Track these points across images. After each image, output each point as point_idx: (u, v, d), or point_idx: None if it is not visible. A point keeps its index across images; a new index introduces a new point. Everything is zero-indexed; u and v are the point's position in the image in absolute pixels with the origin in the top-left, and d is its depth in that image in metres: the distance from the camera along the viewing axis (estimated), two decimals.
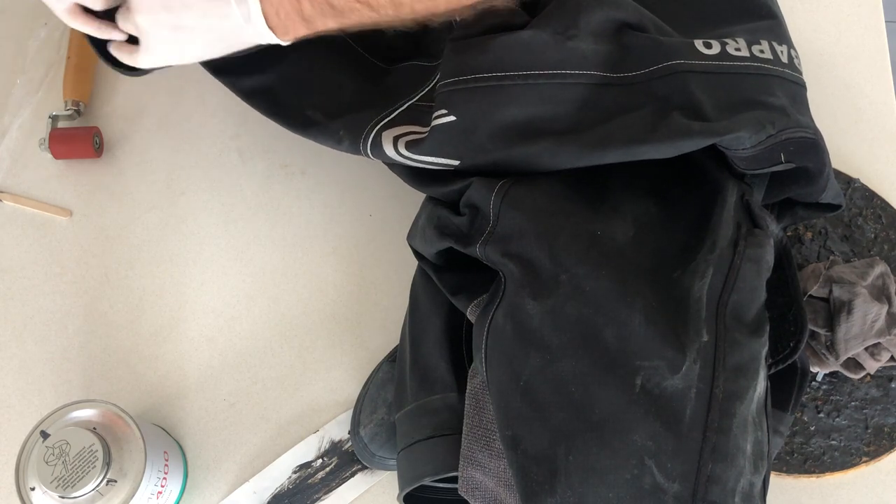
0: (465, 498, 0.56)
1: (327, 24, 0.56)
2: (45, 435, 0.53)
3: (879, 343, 0.65)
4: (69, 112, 0.74)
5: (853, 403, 0.66)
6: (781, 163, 0.56)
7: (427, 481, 0.57)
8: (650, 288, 0.54)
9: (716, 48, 0.59)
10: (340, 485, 0.64)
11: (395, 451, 0.61)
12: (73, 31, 0.78)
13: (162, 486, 0.58)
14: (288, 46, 0.58)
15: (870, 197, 0.74)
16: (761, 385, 0.52)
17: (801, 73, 0.61)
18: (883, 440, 0.65)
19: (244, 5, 0.53)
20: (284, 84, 0.66)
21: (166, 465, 0.59)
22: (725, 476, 0.49)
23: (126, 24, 0.57)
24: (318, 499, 0.64)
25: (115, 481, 0.54)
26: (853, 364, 0.66)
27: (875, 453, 0.65)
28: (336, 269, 0.71)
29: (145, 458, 0.55)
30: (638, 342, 0.52)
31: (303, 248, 0.72)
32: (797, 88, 0.60)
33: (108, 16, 0.58)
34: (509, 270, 0.56)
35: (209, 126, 0.76)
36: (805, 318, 0.57)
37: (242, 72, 0.65)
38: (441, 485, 0.60)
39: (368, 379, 0.66)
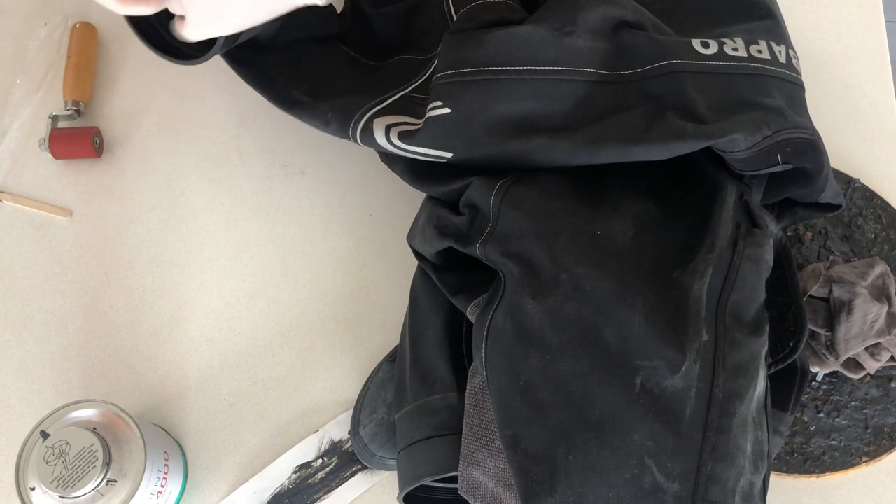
0: (465, 498, 0.56)
1: None
2: (45, 435, 0.53)
3: (879, 343, 0.65)
4: (69, 112, 0.74)
5: (853, 403, 0.66)
6: (778, 164, 0.56)
7: (427, 481, 0.57)
8: (650, 288, 0.54)
9: (713, 48, 0.59)
10: (340, 485, 0.64)
11: (395, 451, 0.61)
12: (73, 31, 0.78)
13: (162, 486, 0.58)
14: (282, 43, 0.58)
15: (870, 197, 0.74)
16: (761, 385, 0.52)
17: (799, 74, 0.60)
18: (883, 440, 0.65)
19: None
20: (276, 66, 0.66)
21: (166, 465, 0.59)
22: (725, 476, 0.49)
23: (171, 3, 0.57)
24: (318, 499, 0.64)
25: (115, 481, 0.54)
26: (853, 364, 0.66)
27: (875, 453, 0.65)
28: (336, 269, 0.71)
29: (145, 458, 0.55)
30: (638, 342, 0.52)
31: (303, 248, 0.72)
32: (795, 89, 0.59)
33: None
34: (509, 270, 0.56)
35: (209, 126, 0.76)
36: (805, 318, 0.57)
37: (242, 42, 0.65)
38: (441, 485, 0.60)
39: (368, 379, 0.66)
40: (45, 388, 0.67)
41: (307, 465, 0.65)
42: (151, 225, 0.73)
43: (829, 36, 0.80)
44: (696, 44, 0.59)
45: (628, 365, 0.51)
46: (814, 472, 0.64)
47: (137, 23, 0.61)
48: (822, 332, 0.65)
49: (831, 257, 0.70)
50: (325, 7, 0.58)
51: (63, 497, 0.52)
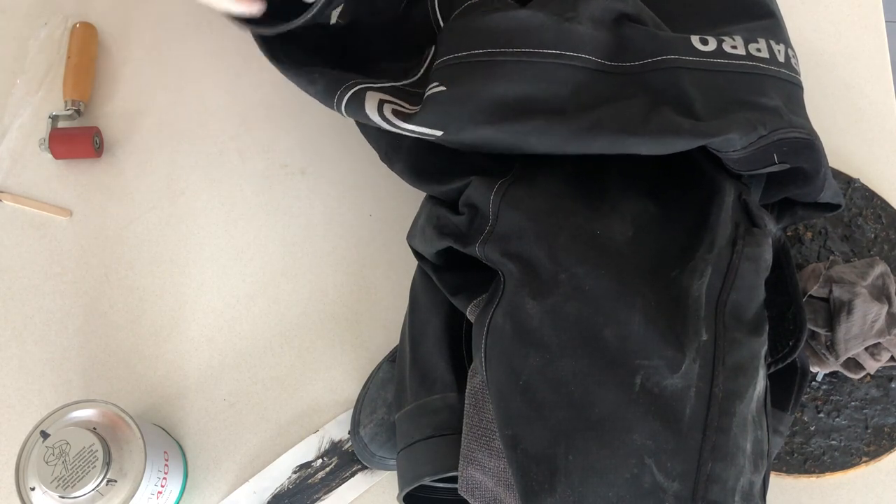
0: (465, 498, 0.56)
1: None
2: (45, 435, 0.53)
3: (879, 343, 0.65)
4: (69, 112, 0.74)
5: (853, 403, 0.66)
6: (775, 164, 0.56)
7: (427, 481, 0.57)
8: (649, 287, 0.54)
9: (712, 45, 0.59)
10: (340, 485, 0.64)
11: (395, 451, 0.61)
12: (73, 31, 0.78)
13: (162, 486, 0.58)
14: (285, 44, 0.58)
15: (870, 197, 0.74)
16: (761, 384, 0.52)
17: (798, 74, 0.60)
18: (883, 440, 0.65)
19: None
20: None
21: (166, 465, 0.59)
22: (725, 475, 0.49)
23: None
24: (318, 499, 0.64)
25: (115, 481, 0.54)
26: (853, 364, 0.66)
27: (875, 453, 0.65)
28: (336, 269, 0.71)
29: (145, 458, 0.55)
30: (637, 341, 0.51)
31: (303, 248, 0.72)
32: (793, 88, 0.59)
33: None
34: (508, 270, 0.56)
35: (209, 126, 0.76)
36: (804, 318, 0.57)
37: None
38: (441, 485, 0.60)
39: (368, 379, 0.66)
40: (45, 388, 0.67)
41: (307, 465, 0.65)
42: (151, 225, 0.73)
43: (829, 36, 0.80)
44: (695, 40, 0.59)
45: (628, 364, 0.51)
46: (814, 472, 0.64)
47: None
48: (822, 332, 0.65)
49: (831, 257, 0.70)
50: None
51: (63, 497, 0.52)
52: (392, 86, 0.62)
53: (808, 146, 0.56)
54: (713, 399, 0.50)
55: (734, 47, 0.59)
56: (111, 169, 0.75)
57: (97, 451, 0.52)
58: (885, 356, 0.65)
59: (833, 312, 0.65)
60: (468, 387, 0.57)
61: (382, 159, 0.68)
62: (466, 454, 0.56)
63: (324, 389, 0.67)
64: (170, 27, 0.82)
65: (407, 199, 0.73)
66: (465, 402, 0.57)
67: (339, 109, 0.61)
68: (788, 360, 0.57)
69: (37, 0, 0.82)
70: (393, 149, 0.66)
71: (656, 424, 0.50)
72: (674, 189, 0.61)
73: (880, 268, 0.67)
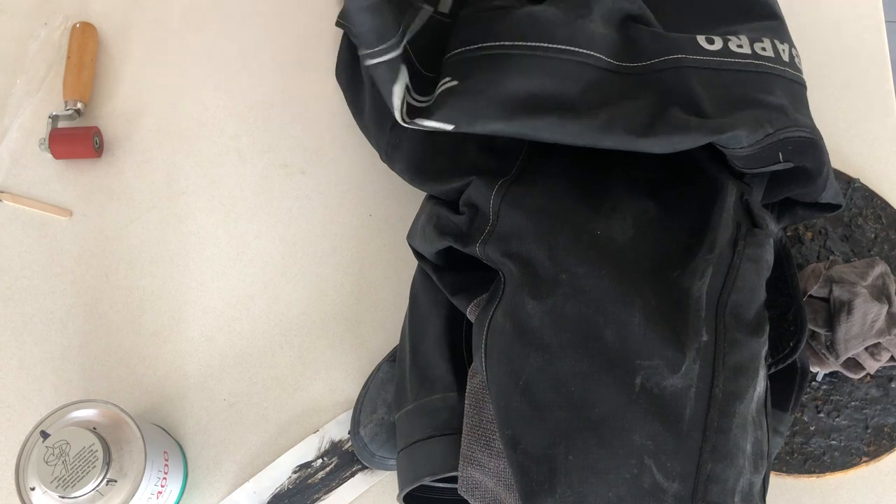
0: (465, 497, 0.56)
1: None
2: (45, 435, 0.53)
3: (879, 343, 0.65)
4: (69, 112, 0.74)
5: (853, 403, 0.66)
6: (780, 162, 0.56)
7: (427, 481, 0.57)
8: (649, 288, 0.54)
9: (718, 44, 0.59)
10: (340, 485, 0.64)
11: (395, 451, 0.61)
12: (73, 30, 0.78)
13: (162, 486, 0.58)
14: None
15: (870, 197, 0.74)
16: (761, 385, 0.52)
17: (801, 73, 0.61)
18: (883, 440, 0.65)
19: None
20: None
21: (166, 465, 0.59)
22: (725, 475, 0.49)
23: None
24: (318, 499, 0.64)
25: (115, 481, 0.54)
26: (853, 364, 0.66)
27: (875, 453, 0.65)
28: (336, 269, 0.71)
29: (145, 458, 0.55)
30: (638, 342, 0.51)
31: (303, 248, 0.72)
32: (797, 87, 0.60)
33: None
34: (509, 270, 0.56)
35: (209, 126, 0.76)
36: (805, 318, 0.57)
37: None
38: (441, 485, 0.60)
39: (368, 379, 0.66)
40: (45, 388, 0.67)
41: (307, 465, 0.65)
42: (151, 225, 0.73)
43: (830, 36, 0.80)
44: (700, 40, 0.59)
45: (628, 365, 0.51)
46: (814, 472, 0.64)
47: None
48: (822, 332, 0.65)
49: (831, 257, 0.70)
50: None
51: (63, 497, 0.52)
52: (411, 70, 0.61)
53: (813, 145, 0.56)
54: (713, 400, 0.50)
55: (740, 46, 0.59)
56: (111, 169, 0.75)
57: (97, 451, 0.52)
58: (885, 356, 0.65)
59: (833, 312, 0.65)
60: (468, 387, 0.57)
61: (383, 159, 0.68)
62: (466, 454, 0.56)
63: (324, 389, 0.67)
64: (170, 27, 0.82)
65: (407, 199, 0.73)
66: (465, 402, 0.57)
67: (376, 58, 0.57)
68: (789, 361, 0.57)
69: (37, 0, 0.82)
70: (393, 147, 0.66)
71: (656, 425, 0.50)
72: (675, 189, 0.61)
73: (880, 268, 0.67)
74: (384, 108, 0.67)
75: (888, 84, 0.80)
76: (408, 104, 0.58)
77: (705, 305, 0.52)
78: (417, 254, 0.63)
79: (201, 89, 0.78)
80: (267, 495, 0.64)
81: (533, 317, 0.54)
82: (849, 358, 0.65)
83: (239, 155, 0.75)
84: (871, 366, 0.65)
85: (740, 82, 0.58)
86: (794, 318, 0.57)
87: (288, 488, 0.64)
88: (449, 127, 0.57)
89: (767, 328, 0.53)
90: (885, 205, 0.74)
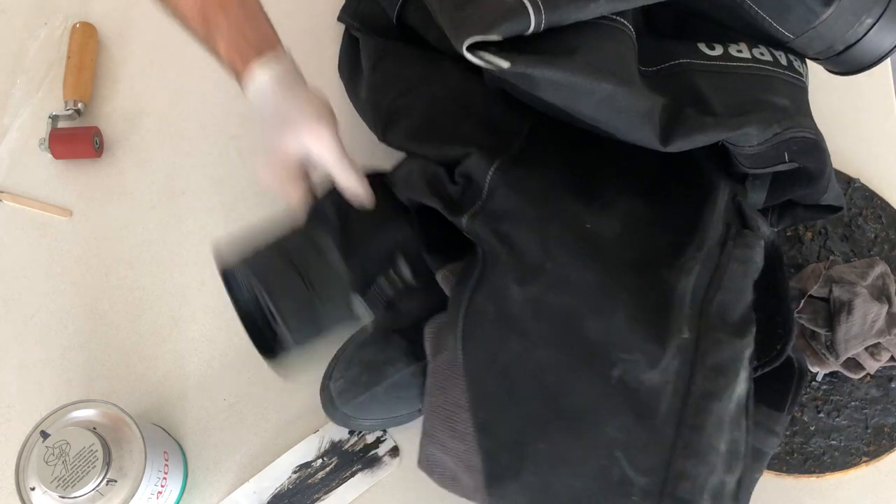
0: (425, 472, 0.57)
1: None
2: (45, 435, 0.53)
3: (879, 343, 0.65)
4: (69, 112, 0.74)
5: (853, 403, 0.66)
6: (784, 162, 0.57)
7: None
8: (635, 283, 0.54)
9: (718, 50, 0.59)
10: (340, 485, 0.64)
11: (360, 412, 0.61)
12: (73, 30, 0.78)
13: (162, 486, 0.58)
14: None
15: (870, 197, 0.74)
16: (742, 385, 0.52)
17: (801, 76, 0.61)
18: (883, 440, 0.65)
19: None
20: None
21: (166, 465, 0.59)
22: (696, 472, 0.49)
23: None
24: (318, 499, 0.64)
25: (115, 481, 0.54)
26: (853, 364, 0.66)
27: (875, 453, 0.65)
28: None
29: (145, 458, 0.55)
30: (619, 335, 0.52)
31: None
32: (797, 90, 0.60)
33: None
34: (494, 250, 0.56)
35: (209, 126, 0.76)
36: (792, 322, 0.57)
37: None
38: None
39: (349, 338, 0.65)
40: (45, 388, 0.67)
41: (307, 465, 0.65)
42: (151, 225, 0.73)
43: None
44: (701, 46, 0.60)
45: (607, 357, 0.51)
46: (814, 472, 0.64)
47: None
48: (822, 332, 0.65)
49: (831, 257, 0.70)
50: None
51: (63, 497, 0.52)
52: None
53: (816, 147, 0.57)
54: (690, 397, 0.50)
55: (739, 51, 0.59)
56: (111, 169, 0.75)
57: (97, 451, 0.52)
58: (885, 356, 0.65)
59: (833, 312, 0.65)
60: (432, 365, 0.58)
61: (380, 138, 0.67)
62: (429, 432, 0.57)
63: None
64: (170, 27, 0.82)
65: None
66: (428, 380, 0.58)
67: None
68: (776, 364, 0.56)
69: (37, 0, 0.82)
70: (391, 122, 0.65)
71: (630, 418, 0.50)
72: (668, 186, 0.61)
73: (880, 268, 0.67)
74: (381, 87, 0.68)
75: (888, 84, 0.80)
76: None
77: (690, 303, 0.52)
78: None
79: (201, 89, 0.78)
80: (267, 495, 0.64)
81: (516, 303, 0.54)
82: (849, 358, 0.65)
83: (239, 155, 0.75)
84: (871, 366, 0.65)
85: (745, 85, 0.58)
86: (782, 321, 0.57)
87: (288, 488, 0.64)
88: (506, 65, 0.53)
89: (753, 330, 0.53)
90: (885, 205, 0.74)
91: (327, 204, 0.59)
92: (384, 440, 0.65)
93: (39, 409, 0.67)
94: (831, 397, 0.67)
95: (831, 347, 0.65)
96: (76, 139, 0.73)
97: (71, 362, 0.68)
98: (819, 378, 0.67)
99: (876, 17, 0.56)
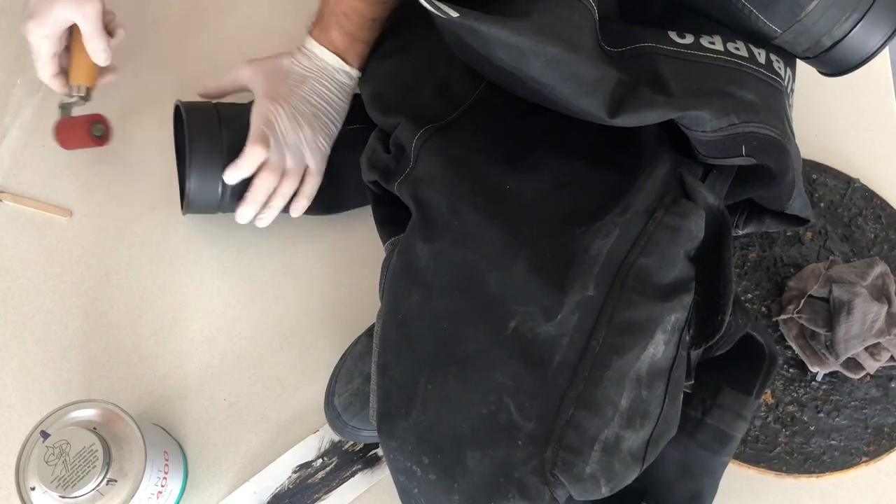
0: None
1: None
2: (45, 435, 0.53)
3: (879, 343, 0.65)
4: (74, 99, 0.72)
5: (853, 403, 0.66)
6: (742, 156, 0.57)
7: None
8: (547, 240, 0.56)
9: (689, 39, 0.59)
10: (340, 485, 0.64)
11: (368, 422, 0.61)
12: (74, 28, 0.77)
13: (162, 486, 0.58)
14: None
15: (870, 197, 0.74)
16: (660, 348, 0.52)
17: (780, 77, 0.60)
18: (883, 440, 0.65)
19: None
20: None
21: (166, 465, 0.59)
22: (586, 424, 0.50)
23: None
24: (318, 499, 0.64)
25: (115, 481, 0.54)
26: (853, 364, 0.66)
27: (875, 453, 0.65)
28: (336, 269, 0.71)
29: (145, 458, 0.55)
30: (517, 288, 0.54)
31: (303, 248, 0.72)
32: (771, 89, 0.59)
33: None
34: (412, 212, 0.59)
35: None
36: (730, 292, 0.56)
37: None
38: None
39: (346, 351, 0.66)
40: (45, 388, 0.67)
41: (307, 464, 0.65)
42: (151, 225, 0.73)
43: None
44: (672, 34, 0.60)
45: (504, 308, 0.54)
46: (814, 472, 0.64)
47: None
48: (822, 332, 0.65)
49: (831, 257, 0.70)
50: None
51: (63, 497, 0.52)
52: None
53: (778, 146, 0.56)
54: (588, 351, 0.51)
55: (712, 43, 0.59)
56: (111, 169, 0.75)
57: (97, 451, 0.52)
58: (885, 356, 0.65)
59: (833, 312, 0.65)
60: (375, 327, 0.61)
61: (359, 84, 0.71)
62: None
63: (324, 389, 0.67)
64: (169, 27, 0.82)
65: None
66: (373, 341, 0.60)
67: None
68: (716, 337, 0.56)
69: None
70: (362, 81, 0.70)
71: (520, 367, 0.52)
72: (609, 155, 0.62)
73: (880, 268, 0.67)
74: None
75: (888, 84, 0.80)
76: None
77: (603, 263, 0.53)
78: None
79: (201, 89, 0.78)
80: (267, 495, 0.64)
81: (420, 258, 0.57)
82: (849, 358, 0.65)
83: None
84: (871, 366, 0.65)
85: (711, 74, 0.58)
86: (721, 292, 0.56)
87: (288, 488, 0.64)
88: (455, 15, 0.55)
89: (685, 298, 0.53)
90: (885, 205, 0.74)
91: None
92: None
93: (39, 409, 0.67)
94: (831, 397, 0.67)
95: (831, 347, 0.65)
96: (77, 128, 0.71)
97: (71, 362, 0.68)
98: (819, 378, 0.67)
99: (862, 12, 0.56)
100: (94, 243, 0.72)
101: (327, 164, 0.70)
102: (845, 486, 0.65)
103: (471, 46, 0.57)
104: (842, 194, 0.74)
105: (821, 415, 0.66)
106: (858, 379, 0.67)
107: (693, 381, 0.57)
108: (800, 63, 0.63)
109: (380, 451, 0.65)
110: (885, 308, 0.64)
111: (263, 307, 0.70)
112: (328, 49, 0.68)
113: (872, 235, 0.73)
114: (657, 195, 0.56)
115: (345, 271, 0.71)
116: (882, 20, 0.57)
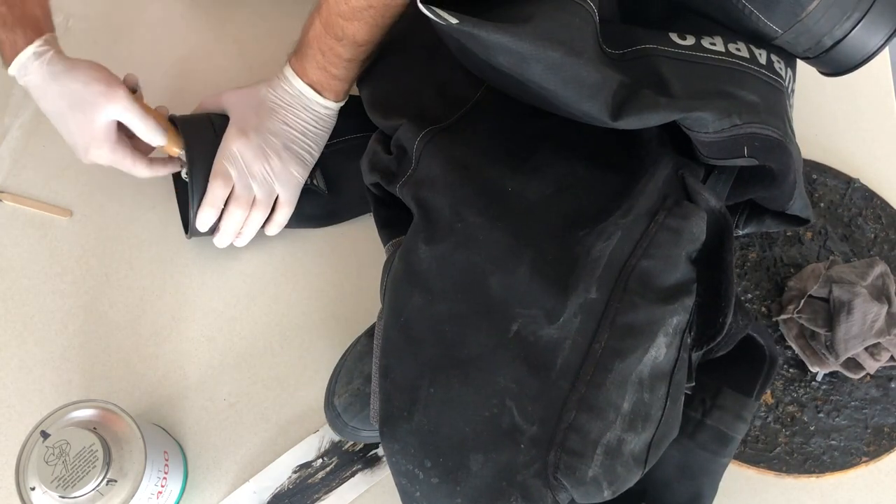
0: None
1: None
2: (45, 435, 0.53)
3: (879, 343, 0.65)
4: (185, 168, 0.71)
5: (853, 403, 0.66)
6: (744, 157, 0.57)
7: None
8: (550, 243, 0.56)
9: (690, 40, 0.59)
10: (340, 485, 0.64)
11: (368, 422, 0.61)
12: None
13: (162, 486, 0.58)
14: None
15: (870, 197, 0.74)
16: (661, 351, 0.52)
17: (781, 78, 0.60)
18: (883, 440, 0.65)
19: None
20: None
21: (166, 465, 0.59)
22: (588, 427, 0.50)
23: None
24: (318, 499, 0.64)
25: (115, 481, 0.54)
26: (853, 364, 0.66)
27: (875, 453, 0.65)
28: (336, 269, 0.71)
29: (145, 458, 0.55)
30: (520, 291, 0.54)
31: (303, 248, 0.72)
32: (772, 90, 0.59)
33: None
34: (414, 215, 0.59)
35: None
36: (732, 294, 0.56)
37: None
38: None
39: (346, 351, 0.65)
40: (45, 388, 0.67)
41: (307, 464, 0.65)
42: (151, 225, 0.73)
43: None
44: (673, 36, 0.60)
45: (507, 311, 0.53)
46: (814, 472, 0.64)
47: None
48: (821, 332, 0.65)
49: (831, 257, 0.70)
50: None
51: (63, 497, 0.52)
52: None
53: (780, 147, 0.56)
54: (591, 354, 0.51)
55: (713, 44, 0.59)
56: (111, 169, 0.75)
57: (97, 451, 0.52)
58: (885, 356, 0.65)
59: (833, 312, 0.65)
60: (376, 328, 0.60)
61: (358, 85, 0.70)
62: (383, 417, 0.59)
63: (323, 389, 0.67)
64: (169, 28, 0.82)
65: None
66: (374, 342, 0.60)
67: None
68: (718, 339, 0.56)
69: None
70: (361, 81, 0.70)
71: (523, 370, 0.52)
72: (611, 157, 0.62)
73: (880, 268, 0.67)
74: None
75: (888, 84, 0.80)
76: None
77: (605, 266, 0.53)
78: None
79: (201, 89, 0.78)
80: (267, 495, 0.64)
81: (423, 261, 0.57)
82: (849, 358, 0.65)
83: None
84: (871, 366, 0.65)
85: (712, 75, 0.58)
86: (723, 294, 0.56)
87: (288, 488, 0.64)
88: (454, 21, 0.54)
89: (687, 301, 0.53)
90: (885, 205, 0.74)
91: None
92: None
93: (39, 409, 0.67)
94: (831, 397, 0.67)
95: (831, 347, 0.65)
96: None
97: (71, 362, 0.68)
98: (819, 378, 0.67)
99: (863, 12, 0.56)
100: (94, 243, 0.72)
101: (326, 175, 0.70)
102: (845, 487, 0.65)
103: (472, 51, 0.57)
104: (842, 194, 0.74)
105: (821, 415, 0.66)
106: (858, 379, 0.67)
107: (693, 383, 0.57)
108: (800, 63, 0.63)
109: (380, 451, 0.65)
110: (885, 308, 0.64)
111: (263, 307, 0.70)
112: (303, 81, 0.66)
113: (872, 235, 0.73)
114: (659, 197, 0.57)
115: (345, 271, 0.71)
116: (882, 20, 0.57)
